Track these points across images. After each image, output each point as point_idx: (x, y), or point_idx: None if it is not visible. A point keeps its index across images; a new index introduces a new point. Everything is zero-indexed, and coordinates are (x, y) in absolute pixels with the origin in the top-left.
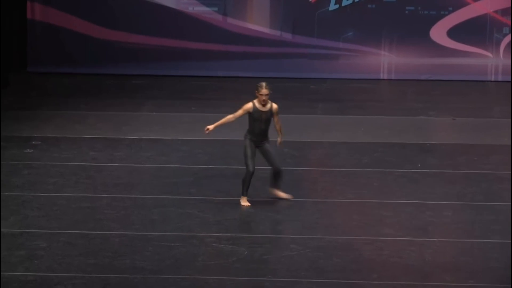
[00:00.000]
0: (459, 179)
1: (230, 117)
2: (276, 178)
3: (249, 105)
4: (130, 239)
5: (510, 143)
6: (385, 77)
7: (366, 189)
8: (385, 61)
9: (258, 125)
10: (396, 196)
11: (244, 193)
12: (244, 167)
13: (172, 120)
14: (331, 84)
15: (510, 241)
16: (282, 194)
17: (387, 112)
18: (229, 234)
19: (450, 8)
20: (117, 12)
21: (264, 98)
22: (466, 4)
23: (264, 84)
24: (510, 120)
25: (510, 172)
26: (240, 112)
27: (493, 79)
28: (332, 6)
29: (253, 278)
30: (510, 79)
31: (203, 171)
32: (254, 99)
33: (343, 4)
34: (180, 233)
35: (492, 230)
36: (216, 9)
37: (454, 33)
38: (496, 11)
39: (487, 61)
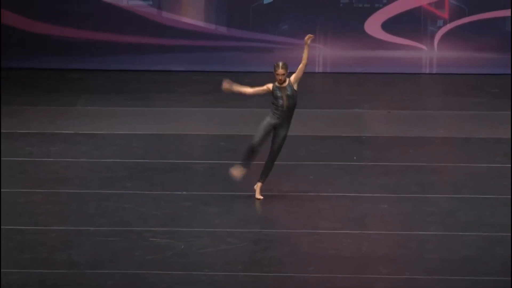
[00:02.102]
0: (394, 171)
1: (248, 88)
2: (266, 168)
3: (270, 84)
4: (67, 234)
5: (447, 136)
6: (320, 70)
7: (302, 182)
8: (320, 54)
9: (281, 102)
10: (333, 188)
11: (243, 163)
12: None
13: (107, 114)
14: (266, 78)
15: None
16: (258, 193)
17: (322, 105)
18: (165, 228)
19: (385, 1)
20: (51, 6)
21: (280, 77)
22: None
23: (280, 63)
24: (442, 112)
25: (464, 165)
26: (259, 87)
27: (427, 72)
28: (267, 0)
29: (190, 272)
30: (444, 72)
31: (139, 165)
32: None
33: None
34: (117, 227)
35: (428, 222)
36: (150, 2)
37: (389, 26)
38: (430, 4)
39: (422, 53)
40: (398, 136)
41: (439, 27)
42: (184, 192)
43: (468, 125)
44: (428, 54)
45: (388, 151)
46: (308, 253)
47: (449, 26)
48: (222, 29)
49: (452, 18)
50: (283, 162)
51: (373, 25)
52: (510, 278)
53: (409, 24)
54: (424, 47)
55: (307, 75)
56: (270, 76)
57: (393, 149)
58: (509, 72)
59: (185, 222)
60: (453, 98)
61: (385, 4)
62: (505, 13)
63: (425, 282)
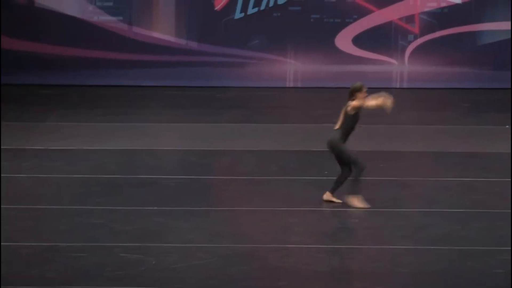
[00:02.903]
0: (366, 186)
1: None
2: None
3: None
4: (39, 250)
5: (419, 150)
6: (291, 84)
7: (273, 197)
8: (291, 69)
9: (355, 125)
10: (304, 203)
11: (355, 192)
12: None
13: (79, 130)
14: (237, 92)
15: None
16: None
17: (293, 119)
18: (137, 244)
19: (355, 16)
20: (23, 22)
21: (366, 95)
22: (371, 12)
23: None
24: (414, 126)
25: (420, 179)
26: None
27: (398, 86)
28: (238, 15)
29: None
30: (415, 86)
31: (111, 180)
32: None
33: (248, 13)
34: (88, 243)
35: (399, 236)
36: (121, 18)
37: (359, 40)
38: (400, 19)
39: (392, 68)
40: (369, 151)
41: (410, 42)
42: (155, 208)
43: (440, 140)
44: (399, 68)
45: None
46: (279, 268)
47: (419, 40)
48: (193, 44)
49: (422, 33)
50: (254, 177)
51: (343, 40)
52: None
53: (380, 39)
54: (394, 61)
55: (278, 90)
56: (242, 91)
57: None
58: (477, 87)
59: (156, 237)
60: (424, 112)
61: (355, 19)
62: (475, 27)
63: None
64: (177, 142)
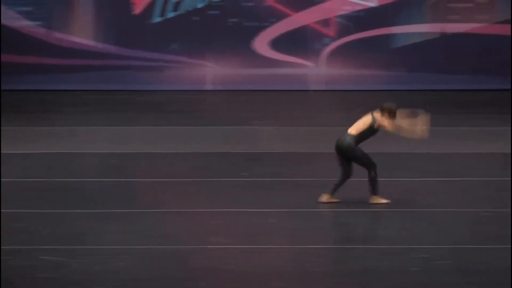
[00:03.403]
0: (283, 187)
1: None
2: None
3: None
4: None
5: (332, 152)
6: (210, 87)
7: (194, 199)
8: (210, 72)
9: (371, 136)
10: (224, 204)
11: (376, 192)
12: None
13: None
14: (157, 96)
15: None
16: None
17: (213, 122)
18: (59, 247)
19: (272, 20)
20: None
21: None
22: (287, 15)
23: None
24: (330, 128)
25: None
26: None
27: (314, 88)
28: (156, 18)
29: None
30: (331, 88)
31: (34, 184)
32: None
33: (167, 16)
34: (11, 246)
35: (318, 235)
36: (40, 23)
37: (276, 44)
38: (316, 22)
39: (308, 70)
40: (286, 152)
41: (326, 45)
42: (79, 211)
43: None
44: (315, 71)
45: (277, 167)
46: (200, 269)
47: (335, 43)
48: (111, 48)
49: (338, 36)
50: (175, 179)
51: (261, 43)
52: None
53: (296, 42)
54: (311, 64)
55: (197, 93)
56: (162, 94)
57: (282, 165)
58: (391, 89)
59: (79, 240)
60: (340, 114)
61: (273, 23)
62: (389, 30)
63: None
64: (98, 145)
